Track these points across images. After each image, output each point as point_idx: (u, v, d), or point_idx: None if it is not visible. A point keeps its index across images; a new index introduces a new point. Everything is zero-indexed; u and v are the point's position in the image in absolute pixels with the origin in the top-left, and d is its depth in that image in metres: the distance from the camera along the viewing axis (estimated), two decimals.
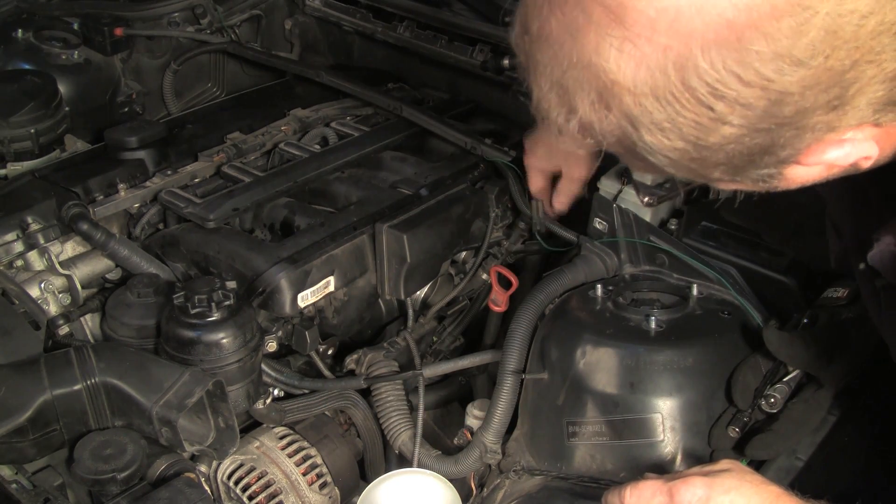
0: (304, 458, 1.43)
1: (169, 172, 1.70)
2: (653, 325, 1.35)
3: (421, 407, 1.45)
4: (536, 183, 1.70)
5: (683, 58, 0.70)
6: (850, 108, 0.72)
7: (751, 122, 0.72)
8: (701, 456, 1.32)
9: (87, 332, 1.51)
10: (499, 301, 1.61)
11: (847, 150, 0.77)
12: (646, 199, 1.01)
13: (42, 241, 1.52)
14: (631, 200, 1.58)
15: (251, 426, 1.48)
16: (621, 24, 0.70)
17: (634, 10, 0.69)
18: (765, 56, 0.68)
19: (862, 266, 1.01)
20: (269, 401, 1.43)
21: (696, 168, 0.79)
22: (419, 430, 1.44)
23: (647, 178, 1.05)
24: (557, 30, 0.75)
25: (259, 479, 1.39)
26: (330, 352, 1.56)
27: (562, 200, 1.69)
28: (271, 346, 1.45)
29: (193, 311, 1.30)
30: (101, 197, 1.64)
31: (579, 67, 0.74)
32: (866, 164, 0.79)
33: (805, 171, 0.81)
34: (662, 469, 1.32)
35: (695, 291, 1.41)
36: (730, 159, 0.76)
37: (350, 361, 1.55)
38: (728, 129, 0.73)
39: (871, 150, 0.77)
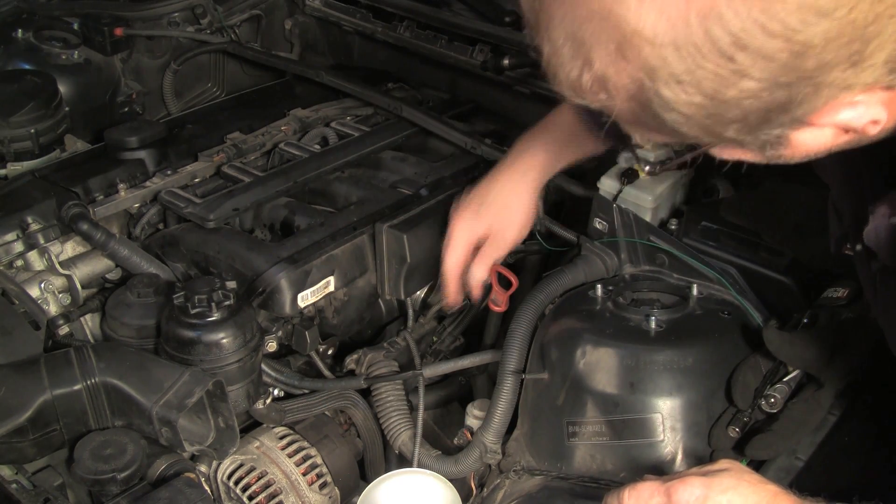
0: (304, 458, 1.43)
1: (169, 172, 1.70)
2: (653, 325, 1.35)
3: (421, 407, 1.45)
4: (455, 254, 1.51)
5: (707, 7, 0.69)
6: (868, 64, 0.72)
7: (771, 75, 0.72)
8: (701, 456, 1.32)
9: (87, 332, 1.51)
10: (499, 301, 1.61)
11: (860, 111, 0.77)
12: (647, 168, 1.00)
13: (42, 241, 1.52)
14: (631, 201, 1.58)
15: (251, 426, 1.48)
16: None
17: None
18: (790, 6, 0.68)
19: (858, 247, 1.01)
20: (269, 401, 1.43)
21: (710, 125, 0.77)
22: (419, 430, 1.44)
23: (650, 155, 1.04)
24: None
25: (259, 479, 1.39)
26: (330, 352, 1.56)
27: (482, 266, 1.53)
28: (271, 346, 1.45)
29: (193, 311, 1.30)
30: (101, 197, 1.64)
31: (597, 19, 0.73)
32: (874, 130, 0.79)
33: (813, 137, 0.80)
34: (662, 469, 1.32)
35: (695, 291, 1.41)
36: (746, 115, 0.76)
37: (350, 361, 1.55)
38: (748, 83, 0.72)
39: (881, 113, 0.77)
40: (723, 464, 1.09)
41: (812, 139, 0.81)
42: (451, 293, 1.55)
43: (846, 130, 0.79)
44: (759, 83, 0.72)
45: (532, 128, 1.54)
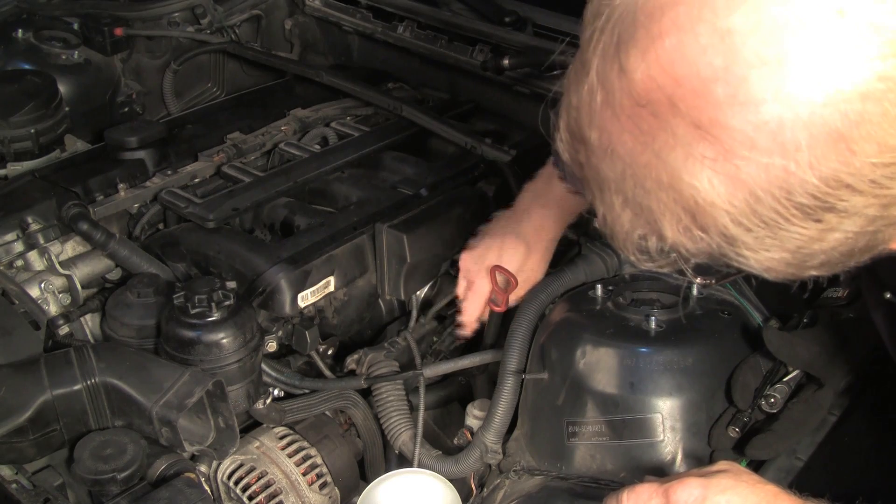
0: (304, 458, 1.43)
1: (169, 172, 1.70)
2: (653, 325, 1.35)
3: (422, 407, 1.45)
4: (475, 305, 1.56)
5: (788, 173, 0.65)
6: None
7: (860, 227, 0.69)
8: (701, 456, 1.32)
9: (87, 332, 1.51)
10: (499, 301, 1.61)
11: None
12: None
13: (42, 241, 1.52)
14: None
15: (251, 426, 1.48)
16: (715, 143, 0.65)
17: (730, 127, 0.64)
18: (877, 164, 0.65)
19: (888, 295, 0.99)
20: (269, 401, 1.43)
21: (791, 272, 0.74)
22: (419, 430, 1.44)
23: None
24: (632, 145, 0.69)
25: (259, 479, 1.39)
26: (330, 352, 1.56)
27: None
28: (271, 346, 1.45)
29: (193, 311, 1.30)
30: (101, 197, 1.64)
31: (664, 188, 0.69)
32: None
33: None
34: (663, 470, 1.32)
35: (695, 291, 1.41)
36: (829, 259, 0.73)
37: (350, 361, 1.55)
38: (835, 236, 0.69)
39: None
40: (721, 465, 1.09)
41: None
42: (465, 334, 1.59)
43: None
44: (846, 235, 0.69)
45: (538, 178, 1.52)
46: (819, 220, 0.68)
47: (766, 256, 0.72)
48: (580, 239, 1.60)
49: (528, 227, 1.53)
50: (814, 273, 0.76)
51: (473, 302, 1.57)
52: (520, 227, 1.53)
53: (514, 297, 1.52)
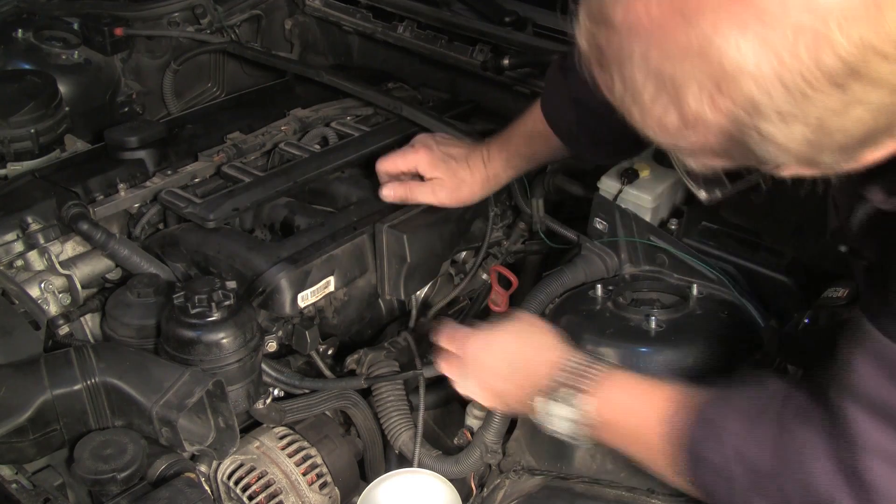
0: (304, 458, 1.43)
1: (169, 172, 1.70)
2: (653, 325, 1.35)
3: (422, 407, 1.45)
4: (390, 160, 1.62)
5: (818, 35, 0.66)
6: None
7: (881, 101, 0.69)
8: None
9: (87, 332, 1.50)
10: (499, 301, 1.61)
11: None
12: (704, 194, 0.95)
13: (42, 241, 1.52)
14: (631, 201, 1.58)
15: (251, 426, 1.48)
16: (746, 5, 0.66)
17: None
18: (893, 21, 0.65)
19: (843, 248, 1.00)
20: (269, 401, 1.43)
21: (807, 153, 0.74)
22: (419, 430, 1.44)
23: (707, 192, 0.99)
24: (661, 16, 0.70)
25: (259, 479, 1.39)
26: (330, 352, 1.56)
27: (390, 165, 1.61)
28: (271, 346, 1.45)
29: (193, 311, 1.30)
30: (101, 197, 1.63)
31: (691, 55, 0.70)
32: None
33: (888, 150, 0.78)
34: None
35: (695, 291, 1.41)
36: (848, 141, 0.73)
37: (351, 362, 1.55)
38: (858, 110, 0.70)
39: None
40: (517, 315, 1.30)
41: (883, 154, 0.78)
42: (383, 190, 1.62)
43: None
44: (869, 110, 0.70)
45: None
46: (844, 89, 0.68)
47: (785, 133, 0.71)
48: (580, 239, 1.60)
49: (476, 152, 1.59)
50: (827, 159, 0.75)
51: (398, 157, 1.61)
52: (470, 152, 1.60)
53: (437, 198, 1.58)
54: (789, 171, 0.81)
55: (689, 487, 1.08)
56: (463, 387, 1.34)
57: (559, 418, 1.17)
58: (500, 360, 1.27)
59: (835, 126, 0.71)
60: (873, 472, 0.88)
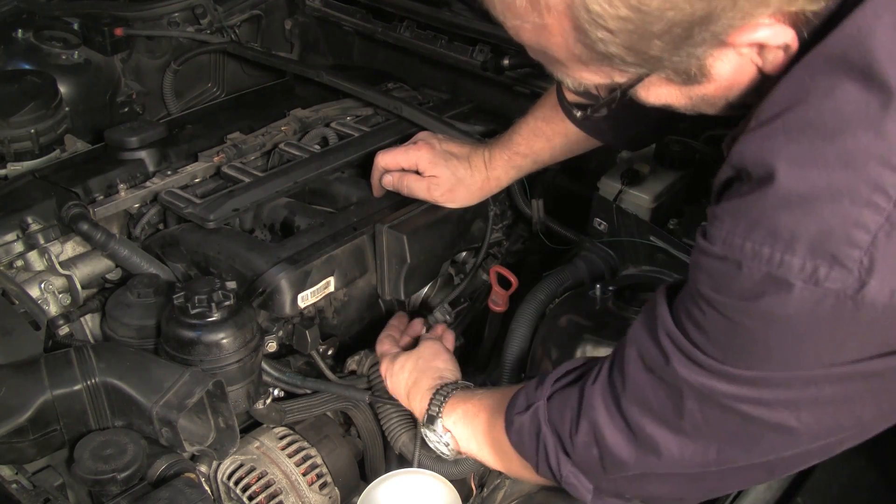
0: (304, 459, 1.43)
1: (169, 172, 1.70)
2: None
3: None
4: (389, 155, 1.63)
5: None
6: None
7: None
8: None
9: (87, 332, 1.50)
10: (499, 301, 1.61)
11: (776, 30, 0.82)
12: (579, 113, 1.05)
13: (42, 242, 1.52)
14: (631, 201, 1.58)
15: (251, 426, 1.48)
16: None
17: None
18: None
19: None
20: (269, 401, 1.43)
21: (636, 41, 0.82)
22: (419, 431, 1.44)
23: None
24: None
25: (259, 479, 1.40)
26: (330, 352, 1.56)
27: (389, 160, 1.63)
28: (271, 346, 1.45)
29: (193, 312, 1.30)
30: (101, 197, 1.63)
31: None
32: (780, 58, 0.85)
33: (731, 66, 0.86)
34: None
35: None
36: (669, 28, 0.80)
37: (351, 363, 1.55)
38: None
39: (792, 39, 0.83)
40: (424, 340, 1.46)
41: (730, 70, 0.87)
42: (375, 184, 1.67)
43: (761, 49, 0.84)
44: None
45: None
46: None
47: (611, 13, 0.80)
48: (580, 238, 1.60)
49: (478, 153, 1.61)
50: (657, 52, 0.83)
51: (399, 152, 1.62)
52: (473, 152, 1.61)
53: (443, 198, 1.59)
54: (651, 94, 0.93)
55: (536, 476, 1.16)
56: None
57: (435, 444, 1.31)
58: (400, 386, 1.40)
59: (653, 7, 0.78)
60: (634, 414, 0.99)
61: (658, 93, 0.94)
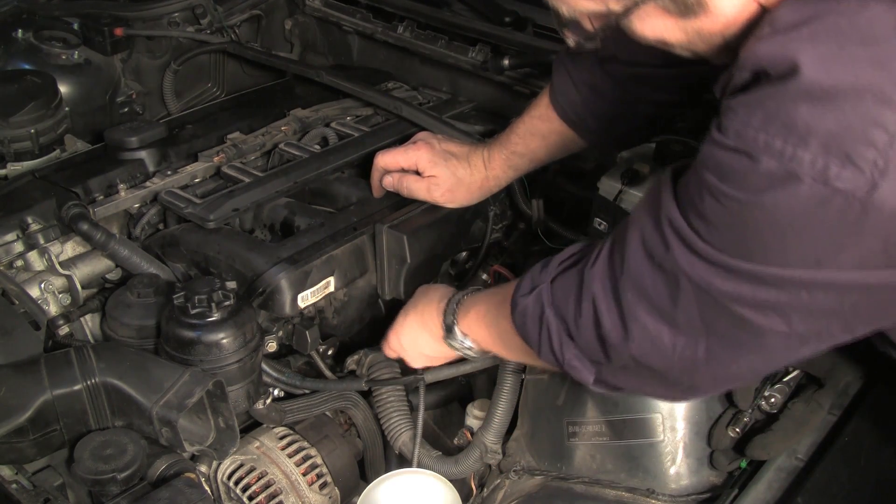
0: (304, 458, 1.43)
1: (169, 173, 1.70)
2: None
3: (421, 409, 1.45)
4: (388, 156, 1.63)
5: None
6: None
7: None
8: (701, 456, 1.32)
9: (87, 332, 1.50)
10: None
11: None
12: (571, 42, 1.03)
13: (42, 242, 1.52)
14: (631, 201, 1.58)
15: (251, 426, 1.48)
16: None
17: None
18: None
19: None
20: (269, 401, 1.43)
21: None
22: (419, 431, 1.44)
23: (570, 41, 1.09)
24: None
25: (259, 479, 1.40)
26: (330, 352, 1.56)
27: (388, 160, 1.63)
28: (271, 346, 1.45)
29: (193, 312, 1.30)
30: (101, 197, 1.63)
31: None
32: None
33: (729, 1, 0.87)
34: (662, 470, 1.32)
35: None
36: None
37: (351, 362, 1.55)
38: None
39: None
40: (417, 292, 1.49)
41: (728, 5, 0.87)
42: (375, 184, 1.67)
43: None
44: None
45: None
46: None
47: None
48: (580, 239, 1.60)
49: (477, 152, 1.61)
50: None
51: (399, 152, 1.62)
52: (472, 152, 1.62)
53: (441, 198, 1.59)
54: (646, 26, 0.93)
55: (540, 360, 1.18)
56: (410, 363, 1.49)
57: (459, 350, 1.38)
58: (410, 339, 1.45)
59: None
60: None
61: (653, 25, 0.93)
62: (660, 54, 1.01)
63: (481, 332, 1.33)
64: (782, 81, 0.79)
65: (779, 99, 0.80)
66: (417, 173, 1.60)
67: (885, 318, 0.93)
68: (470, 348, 1.36)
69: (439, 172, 1.57)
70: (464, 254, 1.76)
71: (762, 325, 0.91)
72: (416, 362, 1.48)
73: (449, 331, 1.36)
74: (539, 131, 1.54)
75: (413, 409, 1.50)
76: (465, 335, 1.35)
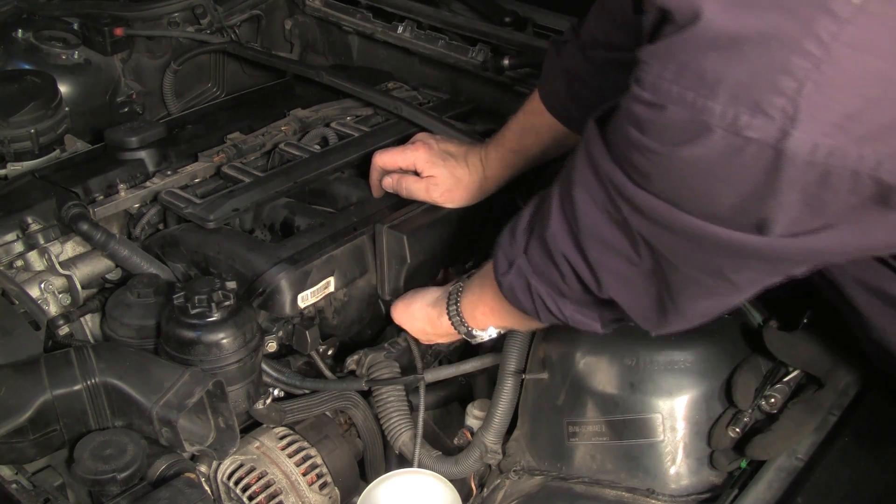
0: (304, 459, 1.43)
1: (169, 173, 1.70)
2: None
3: (422, 409, 1.45)
4: (386, 155, 1.64)
5: None
6: None
7: None
8: (701, 456, 1.32)
9: (87, 332, 1.50)
10: None
11: None
12: None
13: (42, 242, 1.52)
14: None
15: (251, 426, 1.48)
16: None
17: None
18: None
19: None
20: (269, 401, 1.43)
21: None
22: (419, 431, 1.44)
23: None
24: None
25: (259, 479, 1.40)
26: (330, 352, 1.56)
27: (387, 159, 1.63)
28: (271, 346, 1.45)
29: (193, 312, 1.30)
30: (101, 197, 1.63)
31: None
32: None
33: None
34: (662, 470, 1.32)
35: None
36: None
37: (350, 362, 1.55)
38: None
39: None
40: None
41: None
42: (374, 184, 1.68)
43: None
44: None
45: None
46: None
47: None
48: None
49: (475, 151, 1.61)
50: None
51: (397, 153, 1.63)
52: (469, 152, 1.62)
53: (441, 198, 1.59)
54: None
55: (534, 318, 1.21)
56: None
57: (487, 342, 1.43)
58: (413, 321, 1.52)
59: None
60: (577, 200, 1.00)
61: None
62: (636, 37, 1.00)
63: (494, 319, 1.37)
64: (688, 28, 0.77)
65: (688, 49, 0.78)
66: (416, 174, 1.60)
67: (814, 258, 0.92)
68: (493, 336, 1.41)
69: (437, 172, 1.57)
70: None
71: (712, 284, 0.93)
72: (418, 336, 1.55)
73: (469, 335, 1.41)
74: (532, 127, 1.54)
75: (413, 408, 1.50)
76: (482, 330, 1.40)
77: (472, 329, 1.39)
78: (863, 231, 0.82)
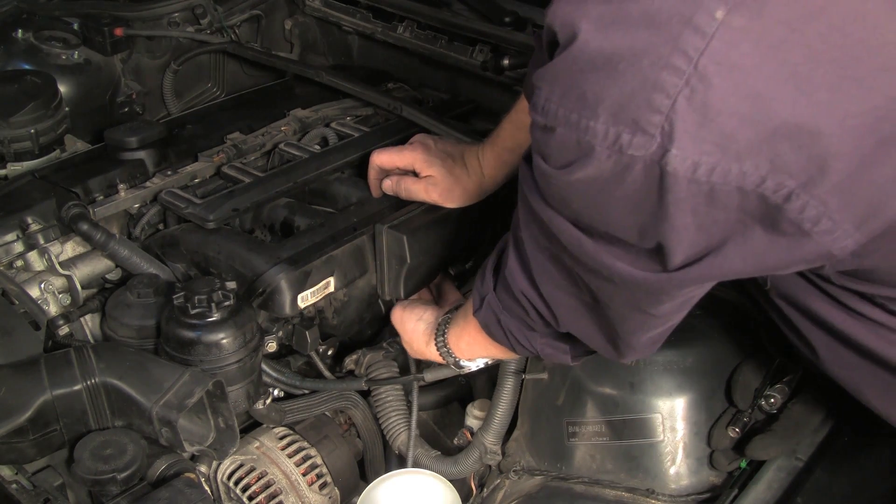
0: (304, 459, 1.43)
1: (169, 173, 1.70)
2: None
3: (415, 408, 1.45)
4: (384, 155, 1.63)
5: None
6: None
7: None
8: (701, 456, 1.32)
9: (87, 332, 1.50)
10: None
11: None
12: None
13: (42, 242, 1.52)
14: None
15: (251, 426, 1.48)
16: None
17: None
18: None
19: None
20: (269, 401, 1.43)
21: None
22: (413, 432, 1.44)
23: None
24: None
25: (259, 479, 1.40)
26: (330, 352, 1.56)
27: (386, 158, 1.63)
28: (271, 346, 1.45)
29: (193, 312, 1.30)
30: (101, 197, 1.63)
31: None
32: None
33: None
34: (662, 469, 1.32)
35: None
36: None
37: (349, 362, 1.55)
38: None
39: None
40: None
41: None
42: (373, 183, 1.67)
43: None
44: None
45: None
46: None
47: None
48: None
49: (473, 151, 1.61)
50: None
51: (395, 153, 1.62)
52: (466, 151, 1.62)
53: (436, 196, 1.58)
54: None
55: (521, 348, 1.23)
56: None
57: (477, 370, 1.43)
58: (404, 334, 1.51)
59: None
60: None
61: None
62: None
63: (479, 350, 1.38)
64: (568, 49, 0.77)
65: (570, 70, 0.78)
66: (415, 174, 1.60)
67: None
68: (483, 365, 1.41)
69: (436, 172, 1.57)
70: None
71: (633, 311, 0.94)
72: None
73: (457, 366, 1.41)
74: (524, 124, 1.54)
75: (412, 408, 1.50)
76: (470, 361, 1.40)
77: (460, 360, 1.40)
78: (755, 252, 0.80)
